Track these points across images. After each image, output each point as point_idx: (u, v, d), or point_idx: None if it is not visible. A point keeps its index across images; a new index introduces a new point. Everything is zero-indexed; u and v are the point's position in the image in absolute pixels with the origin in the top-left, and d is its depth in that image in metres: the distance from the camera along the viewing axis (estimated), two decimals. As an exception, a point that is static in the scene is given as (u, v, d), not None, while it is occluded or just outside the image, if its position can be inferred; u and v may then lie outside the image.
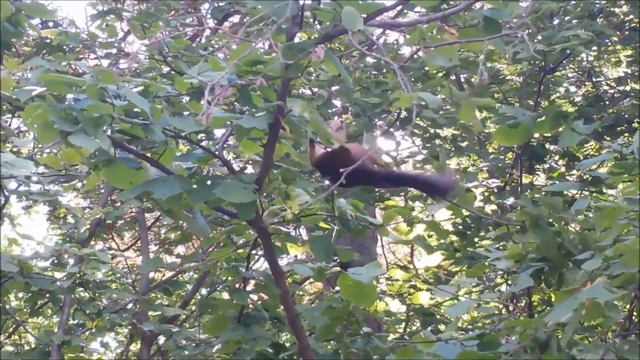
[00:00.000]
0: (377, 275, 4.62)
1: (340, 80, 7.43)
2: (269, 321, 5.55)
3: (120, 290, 7.51)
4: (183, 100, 4.57)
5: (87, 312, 6.81)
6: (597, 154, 9.17)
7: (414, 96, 3.48)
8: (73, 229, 7.98)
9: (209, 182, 4.16)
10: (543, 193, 5.33)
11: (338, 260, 5.31)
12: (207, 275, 8.11)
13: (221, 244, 5.52)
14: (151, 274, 8.88)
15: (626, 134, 8.92)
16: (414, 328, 9.71)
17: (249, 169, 7.64)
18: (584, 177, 8.33)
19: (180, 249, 10.69)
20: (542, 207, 4.24)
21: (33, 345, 7.98)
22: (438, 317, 9.23)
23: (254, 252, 5.60)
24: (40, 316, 9.49)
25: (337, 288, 4.79)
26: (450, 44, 3.97)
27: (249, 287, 5.65)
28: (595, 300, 3.36)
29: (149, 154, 4.24)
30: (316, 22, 4.35)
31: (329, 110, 7.87)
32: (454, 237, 8.81)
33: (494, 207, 9.12)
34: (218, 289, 8.00)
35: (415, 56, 7.67)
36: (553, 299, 8.21)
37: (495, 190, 8.79)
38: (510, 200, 8.47)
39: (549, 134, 7.78)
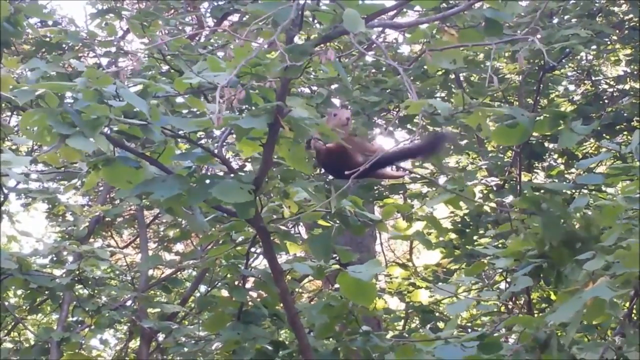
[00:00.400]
0: (377, 273, 4.61)
1: (339, 79, 7.43)
2: (269, 319, 5.55)
3: (119, 288, 7.51)
4: (183, 98, 4.56)
5: (87, 309, 6.81)
6: (596, 152, 9.18)
7: (424, 103, 3.49)
8: (72, 227, 7.98)
9: (207, 181, 4.17)
10: (542, 192, 5.33)
11: (337, 258, 5.31)
12: (206, 272, 8.12)
13: (220, 241, 5.53)
14: (150, 272, 8.87)
15: (625, 133, 8.92)
16: (413, 325, 9.71)
17: (248, 167, 7.65)
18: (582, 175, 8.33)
19: (179, 247, 10.69)
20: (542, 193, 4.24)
21: (32, 342, 7.98)
22: (437, 314, 9.23)
23: (253, 249, 5.61)
24: (40, 313, 9.49)
25: (337, 286, 4.79)
26: (455, 47, 3.98)
27: (248, 285, 5.66)
28: (598, 300, 3.36)
29: (148, 153, 4.24)
30: (315, 22, 4.35)
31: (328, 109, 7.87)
32: (452, 235, 8.81)
33: (493, 205, 9.12)
34: (217, 286, 8.00)
35: (421, 56, 7.66)
36: (552, 297, 8.22)
37: (495, 189, 8.79)
38: (510, 199, 8.47)
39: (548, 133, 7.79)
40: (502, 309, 8.60)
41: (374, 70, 8.26)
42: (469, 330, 8.44)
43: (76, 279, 6.38)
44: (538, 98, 8.67)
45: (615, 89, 9.70)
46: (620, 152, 4.48)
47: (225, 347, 5.44)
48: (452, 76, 8.56)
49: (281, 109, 3.97)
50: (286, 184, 4.65)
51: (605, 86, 9.91)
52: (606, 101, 9.36)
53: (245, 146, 4.42)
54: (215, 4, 8.39)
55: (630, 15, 8.60)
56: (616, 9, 8.73)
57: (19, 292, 8.27)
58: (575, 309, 3.43)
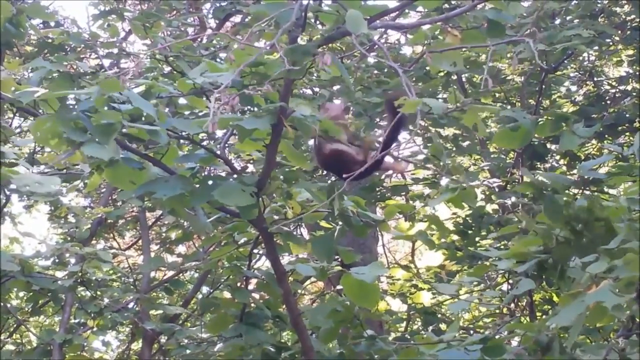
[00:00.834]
0: (380, 275, 4.61)
1: (341, 80, 7.43)
2: (271, 320, 5.55)
3: (121, 290, 7.50)
4: (185, 99, 4.56)
5: (89, 311, 6.80)
6: (598, 153, 9.18)
7: (418, 102, 3.48)
8: (74, 228, 7.98)
9: (210, 182, 4.17)
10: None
11: (340, 260, 5.31)
12: (208, 274, 8.11)
13: (222, 243, 5.53)
14: (152, 273, 8.87)
15: (627, 134, 8.91)
16: (415, 327, 9.70)
17: (250, 168, 7.65)
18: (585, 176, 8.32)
19: (182, 248, 10.69)
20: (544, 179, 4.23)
21: (34, 344, 7.98)
22: (439, 316, 9.22)
23: (255, 250, 5.60)
24: (42, 315, 9.49)
25: (339, 287, 4.78)
26: (455, 49, 3.98)
27: (251, 286, 5.65)
28: (600, 303, 3.35)
29: (151, 154, 4.24)
30: (318, 23, 4.35)
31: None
32: (455, 237, 8.80)
33: (495, 206, 9.11)
34: (220, 287, 7.99)
35: (422, 58, 7.66)
36: (554, 299, 8.22)
37: (497, 190, 8.78)
38: (512, 200, 8.46)
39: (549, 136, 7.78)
40: (505, 310, 8.60)
41: (376, 72, 8.25)
42: (471, 332, 8.44)
43: (79, 280, 6.38)
44: (540, 99, 8.67)
45: (617, 90, 9.69)
46: (622, 154, 4.46)
47: (230, 354, 5.43)
48: (455, 77, 8.55)
49: (284, 109, 3.97)
50: (289, 184, 4.64)
51: (608, 87, 9.90)
52: (608, 102, 9.35)
53: (247, 147, 4.42)
54: (218, 5, 8.39)
55: (633, 16, 8.59)
56: (618, 9, 8.73)
57: (21, 294, 8.27)
58: (578, 312, 3.42)
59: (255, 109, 4.12)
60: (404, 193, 8.94)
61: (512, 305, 8.10)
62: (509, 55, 8.26)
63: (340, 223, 4.84)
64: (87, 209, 8.46)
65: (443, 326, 8.65)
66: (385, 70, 8.15)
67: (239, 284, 5.56)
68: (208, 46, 7.30)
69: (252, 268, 5.53)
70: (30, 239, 6.73)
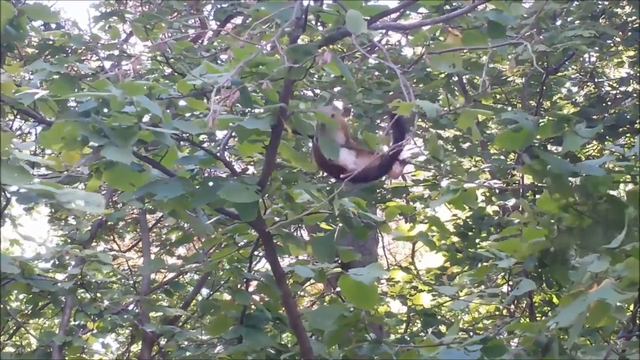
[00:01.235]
0: (379, 276, 4.60)
1: (342, 82, 7.43)
2: (271, 322, 5.54)
3: (121, 292, 7.50)
4: (185, 101, 4.56)
5: (89, 313, 6.81)
6: (599, 154, 9.17)
7: (412, 104, 3.48)
8: (74, 230, 7.98)
9: (211, 184, 4.17)
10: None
11: (339, 261, 5.30)
12: (208, 276, 8.11)
13: (223, 245, 5.52)
14: (152, 275, 8.87)
15: (628, 135, 8.91)
16: (414, 329, 9.70)
17: (251, 170, 7.64)
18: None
19: (182, 250, 10.68)
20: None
21: (34, 347, 7.98)
22: (439, 317, 9.22)
23: (255, 252, 5.60)
24: (42, 317, 9.48)
25: (339, 289, 4.78)
26: (454, 51, 3.97)
27: (251, 288, 5.65)
28: (602, 302, 3.35)
29: (150, 156, 4.24)
30: (319, 24, 4.35)
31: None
32: (455, 238, 8.80)
33: (496, 207, 9.11)
34: (220, 289, 8.00)
35: (421, 58, 7.66)
36: (554, 300, 8.21)
37: (497, 191, 8.78)
38: (512, 202, 8.47)
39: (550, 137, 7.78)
40: (505, 312, 8.60)
41: (377, 73, 8.25)
42: (471, 334, 8.43)
43: (78, 283, 6.38)
44: (541, 100, 8.67)
45: (618, 91, 9.68)
46: (623, 155, 4.45)
47: (234, 357, 5.43)
48: (456, 79, 8.55)
49: (284, 110, 3.97)
50: (289, 186, 4.64)
51: (608, 88, 9.90)
52: (609, 103, 9.35)
53: (246, 148, 4.41)
54: (219, 6, 8.39)
55: (634, 17, 8.59)
56: (619, 10, 8.72)
57: (21, 296, 8.27)
58: (579, 311, 3.42)
59: (255, 110, 4.12)
60: (404, 195, 8.94)
61: (512, 307, 8.10)
62: (509, 56, 8.27)
63: (340, 224, 4.84)
64: (87, 211, 8.45)
65: (443, 328, 8.64)
66: (386, 71, 8.14)
67: (239, 286, 5.56)
68: (209, 48, 7.30)
69: (252, 270, 5.52)
70: (31, 241, 6.72)
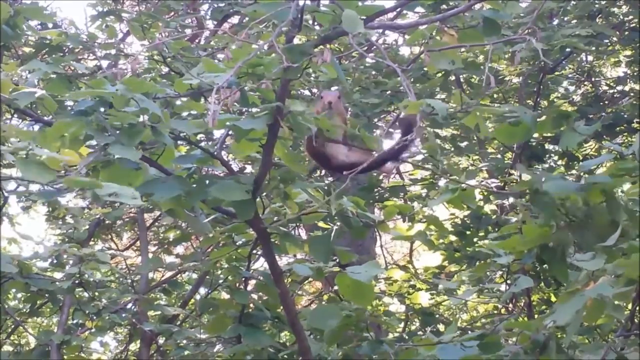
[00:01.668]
0: (376, 274, 4.61)
1: (339, 81, 7.44)
2: (270, 321, 5.55)
3: (119, 291, 7.50)
4: (181, 101, 4.56)
5: (87, 312, 6.80)
6: (596, 153, 9.18)
7: (422, 103, 3.49)
8: (72, 229, 7.98)
9: (206, 182, 4.18)
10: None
11: (337, 260, 5.31)
12: (206, 275, 8.11)
13: (221, 244, 5.53)
14: (150, 274, 8.87)
15: (625, 134, 8.92)
16: (413, 328, 9.71)
17: (248, 169, 7.65)
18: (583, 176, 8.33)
19: (180, 249, 10.69)
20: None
21: (32, 345, 7.98)
22: (437, 316, 9.23)
23: (254, 251, 5.60)
24: (40, 316, 9.48)
25: (337, 288, 4.78)
26: (453, 48, 3.98)
27: (250, 287, 5.65)
28: (598, 300, 3.35)
29: (147, 155, 4.24)
30: (315, 24, 4.35)
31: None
32: (453, 237, 8.81)
33: (494, 207, 9.12)
34: (218, 288, 8.00)
35: (420, 56, 7.66)
36: (552, 299, 8.22)
37: (495, 190, 8.77)
38: (510, 200, 8.47)
39: (549, 134, 7.79)
40: (503, 311, 8.60)
41: (374, 72, 8.26)
42: (470, 332, 8.44)
43: (77, 282, 6.38)
44: (538, 99, 8.68)
45: (615, 90, 9.70)
46: (621, 154, 4.45)
47: (235, 357, 5.43)
48: (453, 78, 8.56)
49: (281, 109, 3.97)
50: (286, 185, 4.64)
51: (606, 87, 9.91)
52: (606, 102, 9.36)
53: (243, 147, 4.42)
54: (216, 6, 8.38)
55: (631, 17, 8.60)
56: (616, 10, 8.73)
57: (19, 295, 8.27)
58: (576, 308, 3.43)
59: (252, 110, 4.12)
60: (402, 194, 8.94)
61: (510, 306, 8.10)
62: (507, 56, 8.27)
63: (337, 223, 4.84)
64: (85, 210, 8.45)
65: (441, 327, 8.65)
66: (384, 70, 8.15)
67: (237, 285, 5.56)
68: (206, 47, 7.30)
69: (251, 269, 5.52)
70: (29, 240, 6.72)
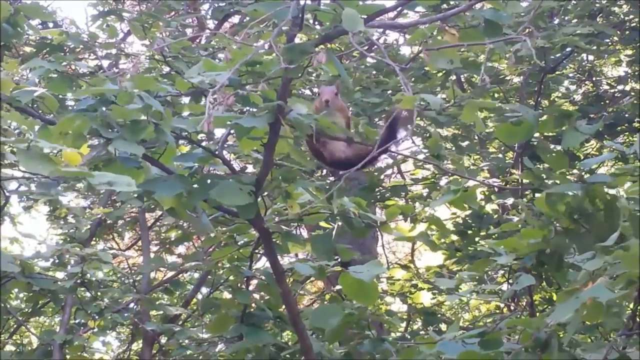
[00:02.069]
0: (378, 273, 4.61)
1: (340, 80, 7.45)
2: (272, 320, 5.55)
3: (121, 290, 7.50)
4: (182, 101, 4.57)
5: (89, 311, 6.81)
6: (597, 153, 9.18)
7: (416, 98, 3.49)
8: (74, 229, 7.98)
9: (208, 182, 4.18)
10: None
11: (339, 259, 5.31)
12: (208, 274, 8.11)
13: (223, 244, 5.53)
14: (152, 274, 8.87)
15: (626, 133, 8.92)
16: (415, 327, 9.71)
17: (250, 168, 7.65)
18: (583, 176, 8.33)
19: (181, 249, 10.69)
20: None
21: (35, 345, 7.98)
22: (439, 316, 9.23)
23: (256, 251, 5.61)
24: (42, 316, 9.49)
25: (339, 287, 4.79)
26: (452, 47, 3.98)
27: (252, 287, 5.65)
28: (597, 300, 3.35)
29: (149, 154, 4.24)
30: (316, 24, 4.36)
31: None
32: (454, 237, 8.81)
33: (495, 206, 9.12)
34: (220, 288, 8.01)
35: (419, 55, 7.66)
36: (554, 298, 8.22)
37: (496, 190, 8.78)
38: (511, 200, 8.47)
39: (550, 134, 7.79)
40: (505, 310, 8.60)
41: (374, 72, 8.26)
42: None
43: (79, 281, 6.38)
44: (539, 99, 8.67)
45: (616, 90, 9.69)
46: (623, 153, 4.46)
47: (236, 356, 5.44)
48: (454, 77, 8.56)
49: (282, 108, 3.97)
50: (288, 184, 4.65)
51: (606, 87, 9.91)
52: (607, 102, 9.36)
53: (246, 146, 4.42)
54: (216, 5, 8.39)
55: (632, 16, 8.60)
56: (617, 9, 8.73)
57: (22, 294, 8.28)
58: (574, 308, 3.43)
59: (254, 109, 4.13)
60: (403, 193, 8.95)
61: (512, 305, 8.09)
62: (507, 55, 8.27)
63: (339, 222, 4.85)
64: (86, 210, 8.46)
65: (443, 327, 8.66)
66: (384, 70, 8.15)
67: (239, 285, 5.57)
68: (207, 47, 7.30)
69: (253, 268, 5.53)
70: (30, 239, 6.73)
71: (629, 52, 9.42)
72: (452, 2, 6.09)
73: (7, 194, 7.06)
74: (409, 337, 7.52)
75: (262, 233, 4.58)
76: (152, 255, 8.73)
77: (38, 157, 3.48)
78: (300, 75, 3.98)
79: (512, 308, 8.12)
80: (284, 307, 5.24)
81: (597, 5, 8.40)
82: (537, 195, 7.41)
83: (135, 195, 4.39)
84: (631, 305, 4.43)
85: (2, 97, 3.98)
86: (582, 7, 8.07)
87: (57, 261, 6.73)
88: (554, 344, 3.87)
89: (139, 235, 9.77)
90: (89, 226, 8.02)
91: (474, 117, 4.21)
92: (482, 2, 4.17)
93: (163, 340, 7.69)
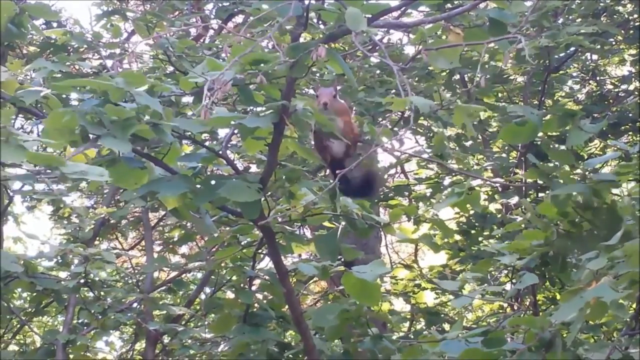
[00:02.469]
0: (382, 273, 4.61)
1: (344, 80, 7.45)
2: (275, 320, 5.55)
3: (125, 290, 7.51)
4: (186, 101, 4.57)
5: (92, 311, 6.81)
6: (601, 152, 9.17)
7: (407, 100, 3.50)
8: (77, 229, 7.98)
9: (213, 182, 4.17)
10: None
11: (342, 259, 5.31)
12: (211, 274, 8.11)
13: (226, 244, 5.53)
14: (155, 274, 8.87)
15: (630, 133, 8.91)
16: (418, 327, 9.70)
17: (253, 169, 7.64)
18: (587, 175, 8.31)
19: (185, 249, 10.69)
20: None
21: (38, 345, 7.99)
22: (443, 316, 9.22)
23: (259, 251, 5.61)
24: (45, 315, 9.49)
25: (342, 287, 4.79)
26: (452, 47, 3.98)
27: (254, 287, 5.65)
28: (601, 300, 3.35)
29: (152, 154, 4.24)
30: (320, 23, 4.35)
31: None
32: (458, 237, 8.80)
33: (499, 206, 9.11)
34: (223, 288, 8.01)
35: (418, 56, 7.65)
36: (558, 298, 8.21)
37: (500, 189, 8.78)
38: (515, 200, 8.47)
39: (554, 133, 7.79)
40: (508, 310, 8.59)
41: (378, 71, 8.25)
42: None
43: (82, 281, 6.38)
44: (543, 98, 8.67)
45: (620, 89, 9.69)
46: (626, 153, 4.46)
47: (235, 351, 5.44)
48: (458, 77, 8.55)
49: (286, 108, 3.97)
50: (291, 184, 4.65)
51: (610, 86, 9.90)
52: (611, 101, 9.35)
53: (249, 146, 4.42)
54: (220, 5, 8.39)
55: (635, 15, 8.59)
56: (620, 8, 8.73)
57: (25, 294, 8.29)
58: (578, 307, 3.43)
59: (257, 108, 4.13)
60: (406, 193, 8.94)
61: (516, 305, 8.09)
62: (511, 55, 8.26)
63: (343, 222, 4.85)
64: (90, 210, 8.46)
65: (447, 327, 8.65)
66: (387, 69, 8.14)
67: (242, 285, 5.57)
68: (210, 46, 7.30)
69: (256, 268, 5.53)
70: (33, 239, 6.72)
71: (633, 51, 9.41)
72: (456, 2, 6.07)
73: (11, 193, 7.07)
74: (412, 337, 7.52)
75: (265, 233, 4.57)
76: (155, 255, 8.73)
77: (12, 147, 3.49)
78: (304, 74, 3.98)
79: (515, 307, 8.12)
80: (287, 307, 5.24)
81: (601, 4, 8.40)
82: (540, 194, 7.43)
83: (139, 194, 4.39)
84: (634, 305, 4.44)
85: (6, 97, 3.98)
86: (586, 7, 8.07)
87: (60, 261, 6.73)
88: (558, 343, 3.88)
89: (142, 235, 9.77)
90: (92, 226, 8.02)
91: (465, 122, 4.20)
92: (486, 1, 4.17)
93: (166, 340, 7.69)
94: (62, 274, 6.69)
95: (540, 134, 5.77)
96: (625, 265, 3.44)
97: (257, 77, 3.77)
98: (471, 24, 4.22)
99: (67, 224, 8.53)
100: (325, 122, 4.20)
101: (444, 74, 8.05)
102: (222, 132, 6.47)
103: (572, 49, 8.06)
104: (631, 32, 8.60)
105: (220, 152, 4.41)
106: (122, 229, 9.89)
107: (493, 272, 6.95)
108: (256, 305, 5.50)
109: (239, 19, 9.15)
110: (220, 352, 6.75)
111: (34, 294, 6.41)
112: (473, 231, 8.71)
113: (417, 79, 8.09)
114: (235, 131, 4.52)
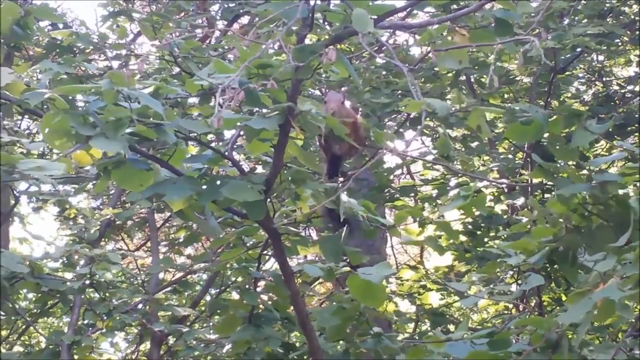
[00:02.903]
0: (387, 275, 4.60)
1: (350, 81, 7.44)
2: (279, 321, 5.55)
3: (130, 291, 7.51)
4: (192, 102, 4.57)
5: (97, 312, 6.81)
6: (607, 153, 9.16)
7: (422, 103, 3.49)
8: (83, 230, 7.99)
9: (218, 183, 4.17)
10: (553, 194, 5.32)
11: (348, 260, 5.31)
12: (216, 275, 8.12)
13: (231, 245, 5.53)
14: (161, 275, 8.87)
15: (636, 134, 8.89)
16: (423, 328, 9.70)
17: (259, 170, 7.65)
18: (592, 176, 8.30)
19: (190, 250, 10.69)
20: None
21: (43, 346, 7.99)
22: (448, 317, 9.22)
23: (264, 252, 5.61)
24: (50, 316, 9.50)
25: (347, 288, 4.78)
26: (460, 48, 3.97)
27: (259, 288, 5.65)
28: (608, 301, 3.34)
29: (158, 155, 4.24)
30: (326, 24, 4.35)
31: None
32: (463, 237, 8.80)
33: (504, 206, 9.10)
34: (228, 289, 8.01)
35: (426, 57, 7.66)
36: (563, 299, 8.20)
37: (506, 190, 8.77)
38: (521, 201, 8.46)
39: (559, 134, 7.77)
40: (514, 311, 8.59)
41: (384, 72, 8.25)
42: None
43: (87, 282, 6.39)
44: (549, 99, 8.66)
45: (626, 90, 9.67)
46: (633, 153, 4.45)
47: (236, 348, 5.44)
48: (464, 77, 8.54)
49: (292, 110, 3.97)
50: (297, 185, 4.64)
51: (616, 87, 9.88)
52: (617, 102, 9.33)
53: (254, 148, 4.42)
54: (226, 6, 8.39)
55: (641, 16, 8.58)
56: (627, 9, 8.71)
57: (30, 295, 8.29)
58: (586, 309, 3.42)
59: (263, 110, 4.12)
60: (412, 194, 8.94)
61: (521, 306, 8.09)
62: (517, 55, 8.25)
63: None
64: (96, 211, 8.47)
65: (452, 327, 8.65)
66: (394, 70, 8.14)
67: (247, 286, 5.56)
68: (216, 47, 7.30)
69: (261, 270, 5.53)
70: (39, 240, 6.74)
71: (639, 52, 9.40)
72: (462, 2, 6.06)
73: (17, 194, 7.08)
74: (417, 338, 7.51)
75: (271, 234, 4.57)
76: (161, 256, 8.74)
77: None
78: (310, 76, 3.97)
79: (520, 308, 8.11)
80: (292, 308, 5.23)
81: (607, 5, 8.38)
82: (546, 195, 7.42)
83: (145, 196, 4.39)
84: (639, 306, 4.43)
85: (12, 99, 3.98)
86: (592, 7, 8.06)
87: (66, 262, 6.75)
88: (564, 344, 3.87)
89: (148, 236, 9.78)
90: (98, 227, 8.02)
91: (480, 123, 4.20)
92: (492, 2, 4.16)
93: (171, 340, 7.70)
94: (68, 275, 6.71)
95: (546, 134, 5.77)
96: (633, 266, 3.43)
97: (267, 83, 3.76)
98: (476, 25, 4.21)
99: (73, 224, 8.53)
100: (336, 126, 4.20)
101: (450, 74, 8.04)
102: (228, 134, 6.47)
103: (578, 50, 8.05)
104: (637, 33, 8.59)
105: (226, 154, 4.41)
106: (127, 230, 9.90)
107: (499, 274, 6.95)
108: (261, 306, 5.50)
109: (245, 19, 9.15)
110: (225, 353, 6.75)
111: (40, 294, 6.42)
112: (479, 232, 8.70)
113: (423, 79, 8.09)
114: (241, 133, 4.52)
